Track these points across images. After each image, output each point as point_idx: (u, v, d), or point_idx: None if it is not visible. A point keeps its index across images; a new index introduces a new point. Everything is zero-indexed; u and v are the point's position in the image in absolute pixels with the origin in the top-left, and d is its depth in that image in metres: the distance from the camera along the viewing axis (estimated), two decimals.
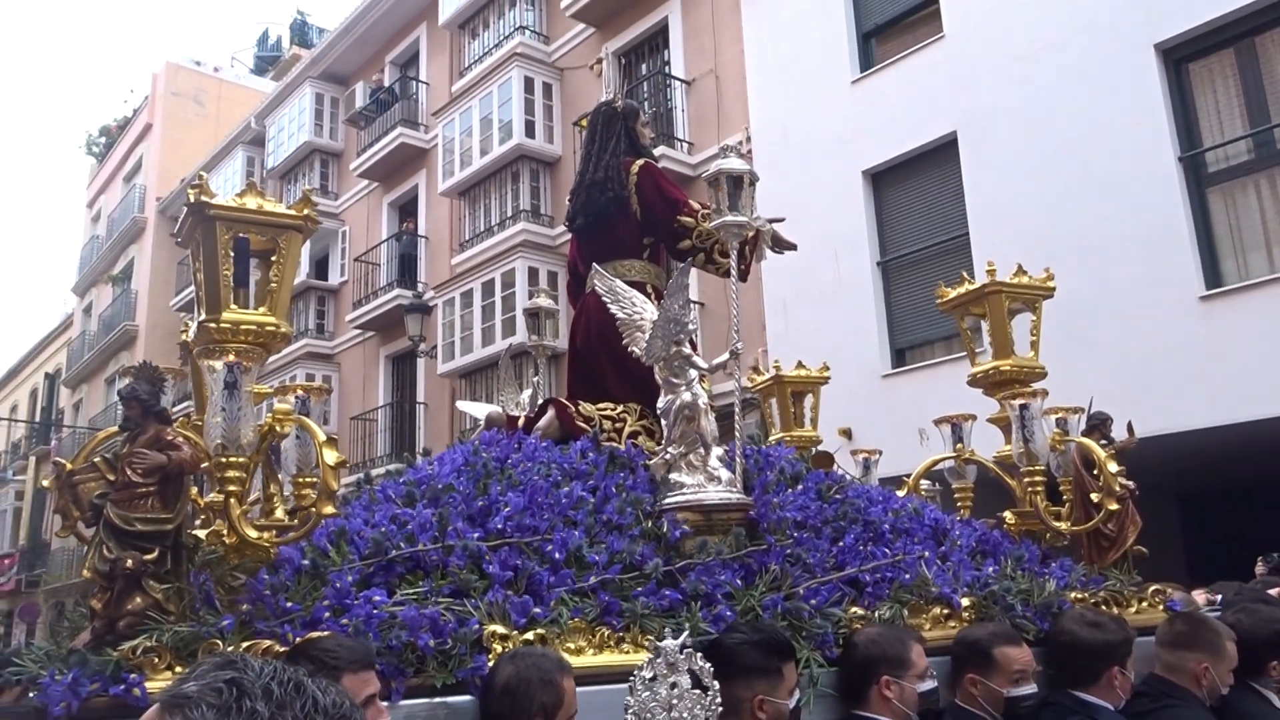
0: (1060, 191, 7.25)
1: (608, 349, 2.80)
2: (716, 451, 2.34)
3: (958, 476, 3.29)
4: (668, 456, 2.32)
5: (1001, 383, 2.69)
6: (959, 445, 3.24)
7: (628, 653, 1.92)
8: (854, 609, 2.14)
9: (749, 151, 9.14)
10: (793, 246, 3.01)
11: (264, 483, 2.49)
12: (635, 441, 2.70)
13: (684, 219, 2.92)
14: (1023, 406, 2.56)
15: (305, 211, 2.25)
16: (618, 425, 2.75)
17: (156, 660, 1.71)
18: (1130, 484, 2.66)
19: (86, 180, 25.80)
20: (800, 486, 2.59)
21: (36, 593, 21.33)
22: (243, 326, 2.16)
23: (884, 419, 7.52)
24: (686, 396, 2.30)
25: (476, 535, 2.08)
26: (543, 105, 12.04)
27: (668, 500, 2.28)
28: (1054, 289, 2.75)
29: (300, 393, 2.60)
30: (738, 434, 2.38)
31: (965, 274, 2.80)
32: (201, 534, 2.05)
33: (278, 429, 2.26)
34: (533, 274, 11.27)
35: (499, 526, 2.12)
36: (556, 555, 2.07)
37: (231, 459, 1.99)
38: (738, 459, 2.38)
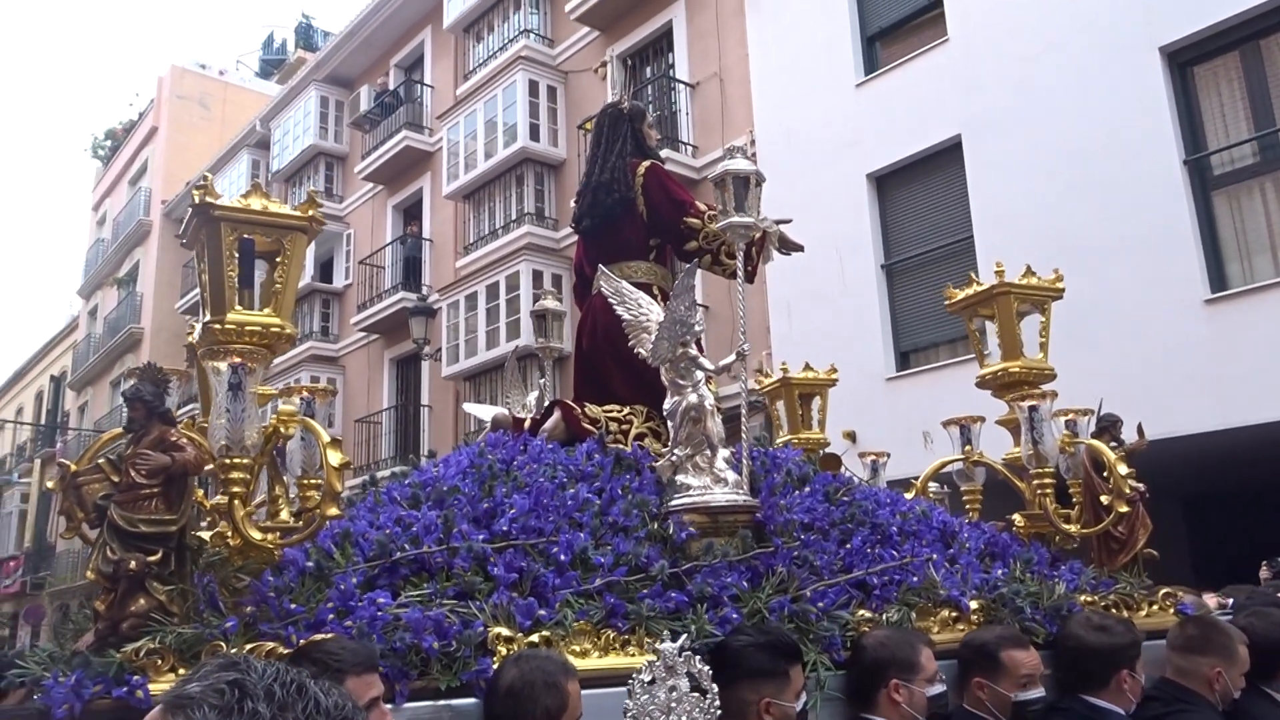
0: (1064, 194, 7.24)
1: (614, 351, 2.79)
2: (723, 453, 2.32)
3: (966, 479, 3.27)
4: (674, 458, 2.31)
5: (1010, 384, 2.67)
6: (967, 447, 3.22)
7: (633, 655, 1.91)
8: (861, 612, 2.12)
9: (753, 155, 9.13)
10: (800, 248, 3.00)
11: (269, 485, 2.48)
12: (641, 443, 2.69)
13: (690, 220, 2.91)
14: (1032, 408, 2.54)
15: (310, 212, 2.25)
16: (624, 427, 2.74)
17: (160, 662, 1.70)
18: (1141, 486, 2.64)
19: (92, 183, 25.92)
20: (807, 488, 2.58)
21: (42, 595, 21.37)
22: (247, 328, 2.16)
23: (888, 422, 7.50)
24: (693, 398, 2.28)
25: (481, 537, 2.07)
26: (547, 108, 12.05)
27: (674, 502, 2.27)
28: (1063, 290, 2.73)
29: (305, 394, 2.59)
30: (744, 436, 2.36)
31: (973, 275, 2.78)
32: (206, 535, 2.04)
33: (282, 430, 2.26)
34: (537, 277, 11.28)
35: (504, 528, 2.11)
36: (562, 557, 2.06)
37: (235, 460, 1.99)
38: (744, 461, 2.36)
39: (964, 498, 3.29)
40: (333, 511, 2.04)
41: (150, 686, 1.64)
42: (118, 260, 22.34)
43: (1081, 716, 2.11)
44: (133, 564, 1.82)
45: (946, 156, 8.32)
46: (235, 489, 1.98)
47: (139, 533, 1.87)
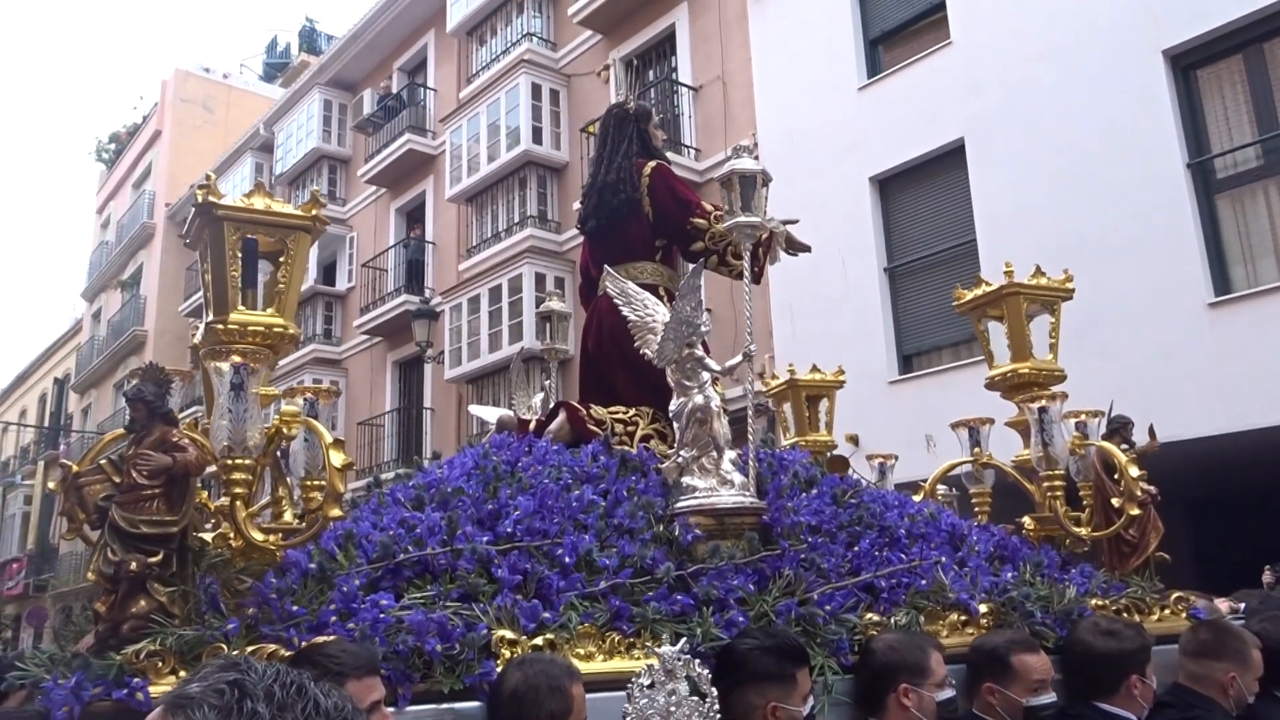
0: (1068, 198, 7.22)
1: (619, 352, 2.77)
2: (729, 455, 2.30)
3: (975, 481, 3.24)
4: (680, 460, 2.29)
5: (1020, 385, 2.65)
6: (976, 449, 3.19)
7: (638, 659, 1.88)
8: (869, 615, 2.10)
9: (756, 158, 9.09)
10: (807, 248, 2.98)
11: (272, 486, 2.47)
12: (647, 445, 2.67)
13: (697, 220, 2.90)
14: (1042, 410, 2.52)
15: (313, 212, 2.24)
16: (629, 429, 2.72)
17: (160, 664, 1.69)
18: (1152, 489, 2.61)
19: (96, 186, 25.98)
20: (815, 491, 2.56)
21: (44, 597, 21.37)
22: (250, 328, 2.14)
23: (891, 425, 7.48)
24: (699, 399, 2.26)
25: (486, 539, 2.06)
26: (550, 112, 12.06)
27: (680, 504, 2.25)
28: (1073, 290, 2.71)
29: (308, 395, 2.57)
30: (751, 437, 2.34)
31: (982, 275, 2.75)
32: (208, 537, 2.02)
33: (285, 431, 2.24)
34: (540, 280, 11.28)
35: (508, 530, 2.10)
36: (566, 559, 2.04)
37: (238, 461, 1.97)
38: (751, 462, 2.34)
39: (973, 500, 3.26)
40: (335, 512, 2.02)
41: (151, 689, 1.63)
42: (121, 263, 22.39)
43: None
44: (133, 565, 1.81)
45: (949, 159, 8.31)
46: (237, 490, 1.97)
47: (140, 534, 1.86)
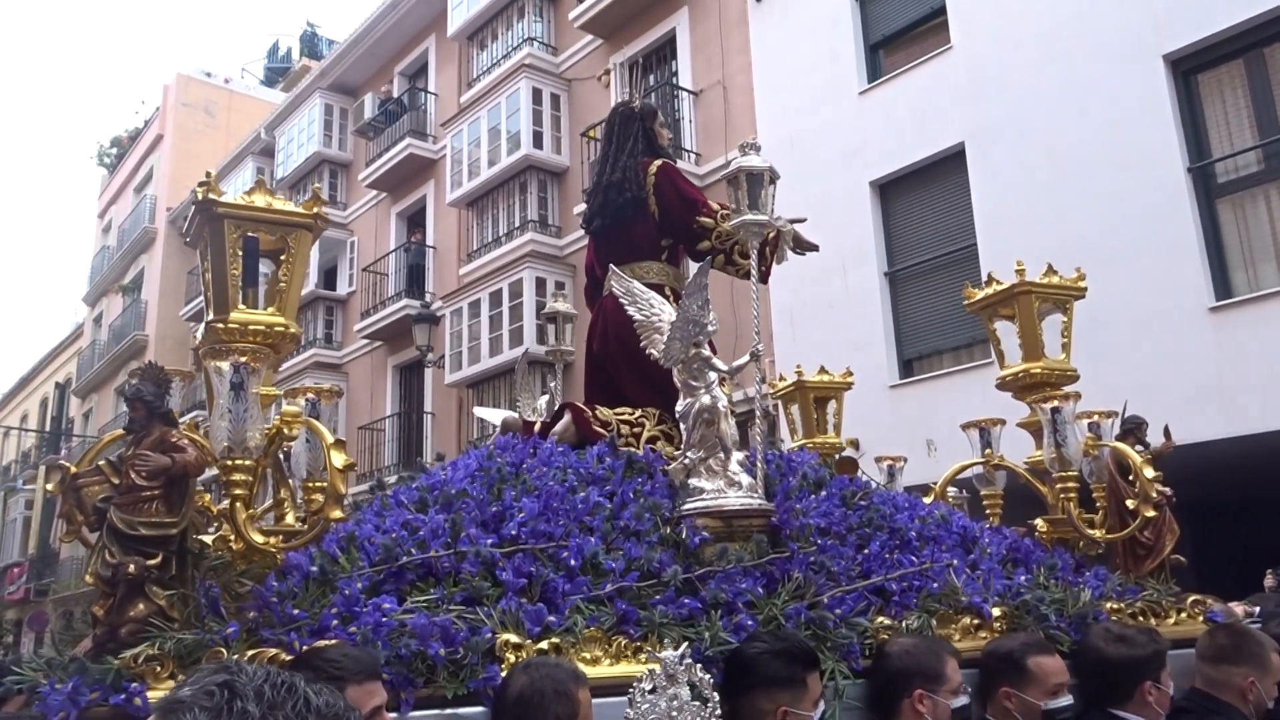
0: (1068, 202, 7.21)
1: (625, 352, 2.75)
2: (737, 456, 2.27)
3: (986, 483, 3.20)
4: (687, 461, 2.26)
5: (1032, 385, 2.62)
6: (988, 450, 3.15)
7: (645, 663, 1.85)
8: (880, 619, 2.07)
9: None
10: (814, 247, 2.95)
11: (274, 488, 2.44)
12: (653, 446, 2.64)
13: (703, 219, 2.87)
14: (1055, 410, 2.48)
15: (314, 209, 2.22)
16: (635, 430, 2.69)
17: (159, 669, 1.66)
18: (1168, 490, 2.57)
19: (98, 191, 26.02)
20: (824, 492, 2.52)
21: (45, 601, 21.31)
22: (251, 327, 2.12)
23: (892, 430, 7.45)
24: (706, 400, 2.23)
25: (490, 541, 2.03)
26: (550, 116, 12.06)
27: (687, 506, 2.22)
28: (1085, 289, 2.67)
29: (310, 395, 2.54)
30: (759, 438, 2.31)
31: (993, 274, 2.72)
32: (208, 539, 1.99)
33: (286, 431, 2.21)
34: (540, 284, 11.27)
35: (513, 532, 2.07)
36: (572, 562, 2.01)
37: (238, 462, 1.94)
38: (759, 464, 2.31)
39: (984, 502, 3.22)
40: (336, 514, 1.99)
41: (149, 694, 1.60)
42: (123, 267, 22.39)
43: None
44: (132, 568, 1.78)
45: (950, 164, 8.30)
46: (237, 491, 1.94)
47: (139, 536, 1.83)
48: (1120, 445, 2.65)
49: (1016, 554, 2.56)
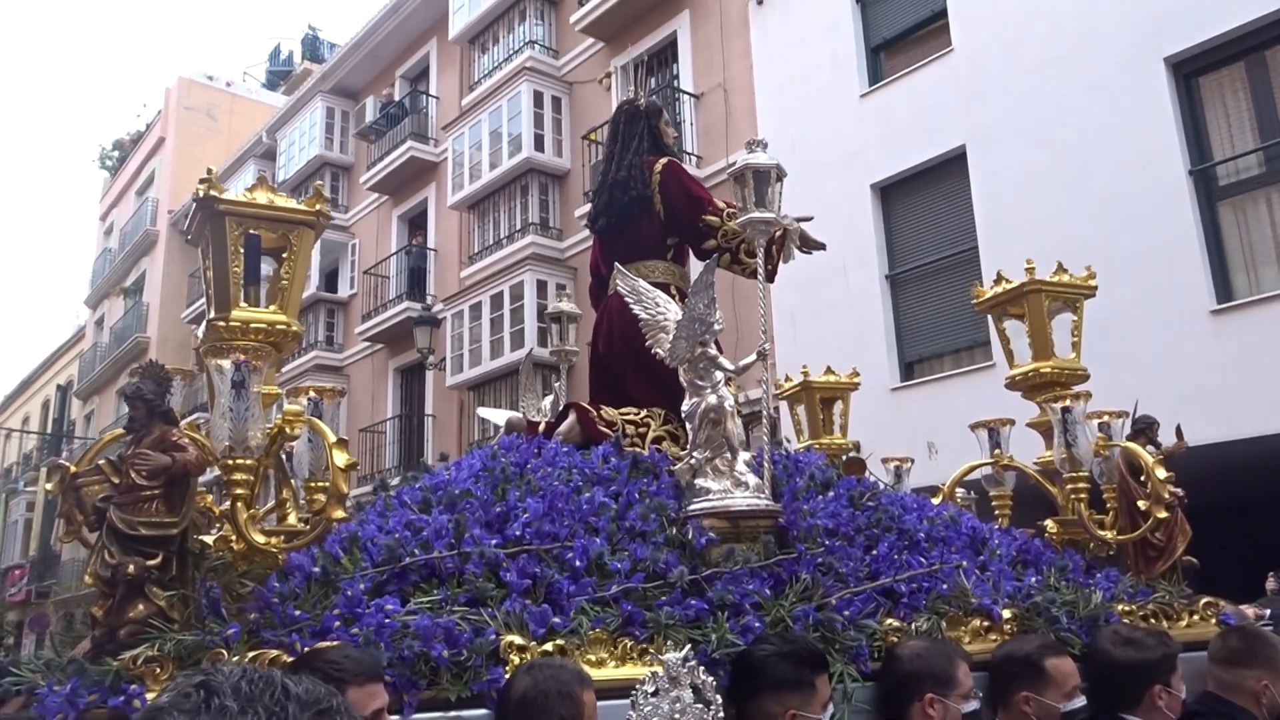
0: (1069, 205, 7.19)
1: (630, 352, 2.72)
2: (744, 456, 2.24)
3: (995, 484, 3.17)
4: (693, 461, 2.24)
5: (1041, 385, 2.59)
6: (997, 451, 3.12)
7: (650, 665, 1.83)
8: (889, 621, 2.04)
9: None
10: (821, 246, 2.93)
11: (276, 488, 2.41)
12: (659, 446, 2.62)
13: (709, 218, 2.85)
14: (1065, 410, 2.45)
15: (317, 207, 2.20)
16: (641, 430, 2.67)
17: (158, 670, 1.64)
18: (1179, 491, 2.54)
19: (99, 193, 26.04)
20: (831, 493, 2.50)
21: (46, 603, 21.28)
22: (252, 325, 2.10)
23: (893, 432, 7.42)
24: (712, 399, 2.21)
25: (494, 542, 2.01)
26: (552, 119, 12.07)
27: (693, 506, 2.20)
28: (1095, 288, 2.65)
29: (313, 394, 2.52)
30: (765, 438, 2.28)
31: (1001, 272, 2.69)
32: (208, 539, 1.97)
33: (288, 430, 2.19)
34: (541, 287, 11.26)
35: (517, 533, 2.05)
36: (577, 563, 1.99)
37: (239, 461, 1.92)
38: (766, 464, 2.28)
39: (993, 503, 3.19)
40: (338, 514, 1.97)
41: (148, 696, 1.57)
42: (124, 270, 22.41)
43: None
44: (131, 568, 1.76)
45: (951, 167, 8.29)
46: (239, 491, 1.92)
47: (138, 535, 1.81)
48: (1132, 445, 2.62)
49: (1026, 555, 2.53)
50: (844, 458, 3.21)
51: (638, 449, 2.57)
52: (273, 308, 2.14)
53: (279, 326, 2.11)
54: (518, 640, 1.78)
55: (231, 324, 2.07)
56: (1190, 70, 7.06)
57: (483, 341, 11.70)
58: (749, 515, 2.16)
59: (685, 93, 10.69)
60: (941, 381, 7.88)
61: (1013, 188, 7.67)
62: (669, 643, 1.84)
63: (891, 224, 8.80)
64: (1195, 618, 2.50)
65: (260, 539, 1.95)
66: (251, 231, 2.10)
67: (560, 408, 2.99)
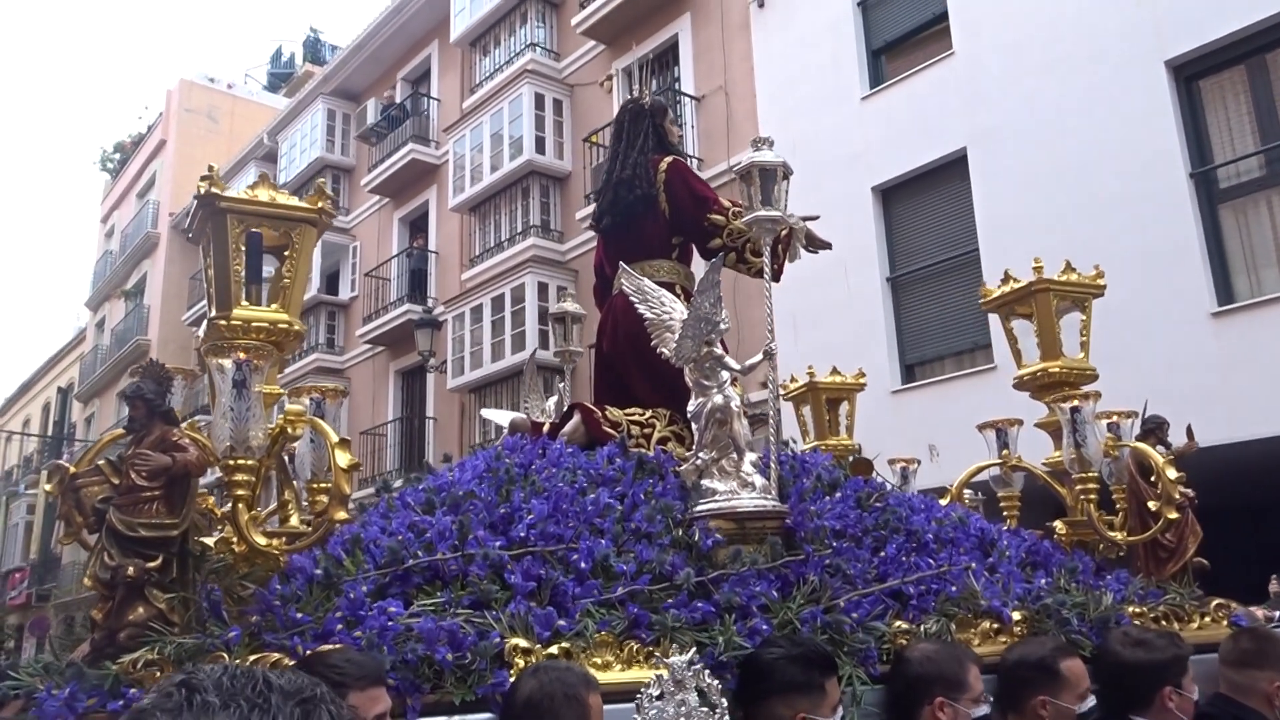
0: (1070, 208, 7.18)
1: (635, 352, 2.70)
2: (750, 456, 2.22)
3: (1003, 484, 3.15)
4: (699, 462, 2.21)
5: (1050, 385, 2.56)
6: (1005, 451, 3.10)
7: (655, 668, 1.80)
8: (898, 623, 2.02)
9: None
10: (828, 245, 2.91)
11: (278, 489, 2.39)
12: (665, 447, 2.59)
13: (714, 217, 2.83)
14: (1074, 410, 2.43)
15: (319, 204, 2.18)
16: (646, 430, 2.65)
17: (158, 674, 1.62)
18: (1190, 492, 2.52)
19: (101, 196, 26.06)
20: (838, 494, 2.47)
21: (47, 607, 21.25)
22: (254, 324, 2.08)
23: (894, 435, 7.40)
24: (718, 399, 2.19)
25: (498, 544, 1.99)
26: (553, 121, 12.06)
27: (699, 507, 2.17)
28: (1104, 287, 2.63)
29: (315, 394, 2.50)
30: (772, 438, 2.26)
31: (1009, 272, 2.67)
32: (209, 541, 1.95)
33: (289, 431, 2.16)
34: (542, 289, 11.25)
35: (522, 535, 2.03)
36: (582, 565, 1.97)
37: (240, 462, 1.90)
38: (772, 465, 2.26)
39: (1001, 504, 3.17)
40: (340, 515, 1.95)
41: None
42: (125, 272, 22.41)
43: None
44: (131, 570, 1.73)
45: (952, 169, 8.28)
46: (240, 492, 1.90)
47: (138, 537, 1.78)
48: (1142, 446, 2.59)
49: (1036, 557, 2.51)
50: (850, 458, 3.19)
51: (643, 450, 2.55)
52: (274, 306, 2.13)
53: (281, 325, 2.10)
54: (522, 643, 1.76)
55: (233, 323, 2.05)
56: (1191, 73, 7.05)
57: (484, 344, 11.68)
58: (756, 516, 2.14)
59: (686, 95, 10.68)
60: (942, 384, 7.87)
61: (1014, 190, 7.66)
62: (675, 645, 1.82)
63: (892, 226, 8.79)
64: (1206, 619, 2.48)
65: (262, 541, 1.93)
66: (253, 229, 2.09)
67: (564, 408, 2.96)
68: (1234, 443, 6.08)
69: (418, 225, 14.76)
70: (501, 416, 3.04)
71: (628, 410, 2.72)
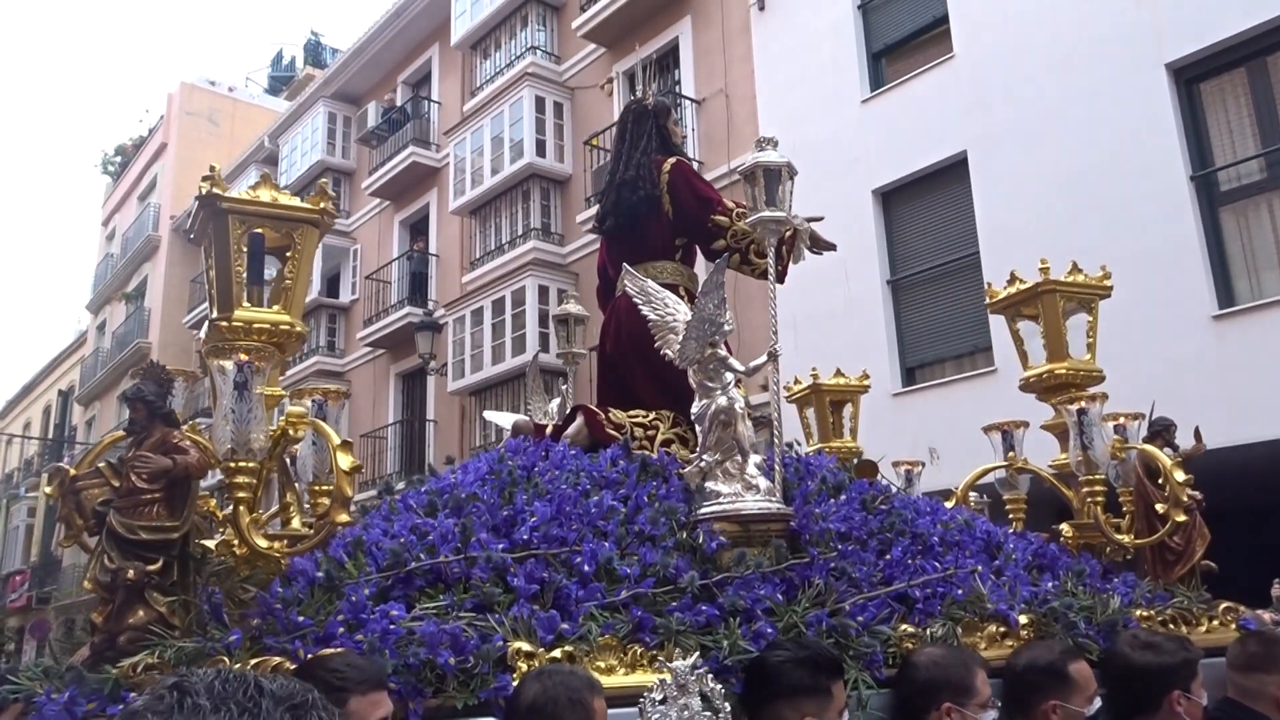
0: (1071, 211, 7.18)
1: (638, 353, 2.69)
2: (754, 459, 2.21)
3: (1009, 487, 3.13)
4: (703, 464, 2.20)
5: (1056, 386, 2.55)
6: (1010, 454, 3.08)
7: (659, 672, 1.79)
8: (904, 626, 2.00)
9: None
10: (832, 246, 2.90)
11: (280, 492, 2.38)
12: (668, 449, 2.58)
13: (718, 218, 2.82)
14: (1081, 411, 2.41)
15: (321, 205, 2.17)
16: (650, 433, 2.63)
17: (159, 678, 1.59)
18: (1198, 494, 2.50)
19: (102, 199, 26.08)
20: (843, 496, 2.46)
21: (47, 609, 21.22)
22: (255, 325, 2.07)
23: (894, 438, 7.39)
24: (722, 401, 2.17)
25: (501, 546, 1.97)
26: (553, 124, 12.07)
27: (703, 510, 2.16)
28: (1110, 288, 2.62)
29: (317, 396, 2.48)
30: (776, 440, 2.25)
31: (1015, 273, 2.66)
32: (210, 543, 1.93)
33: (291, 433, 2.15)
34: (543, 292, 11.25)
35: (525, 537, 2.01)
36: (585, 568, 1.95)
37: (241, 464, 1.88)
38: (777, 467, 2.25)
39: (1007, 507, 3.15)
40: (342, 518, 1.93)
41: None
42: (126, 275, 22.41)
43: None
44: (131, 573, 1.72)
45: (952, 173, 8.28)
46: (241, 494, 1.88)
47: (139, 540, 1.77)
48: (1149, 448, 2.58)
49: (1042, 560, 2.49)
50: (854, 460, 3.17)
51: (646, 452, 2.53)
52: (276, 308, 2.11)
53: (282, 326, 2.08)
54: (525, 647, 1.74)
55: (234, 324, 2.04)
56: (1191, 76, 7.05)
57: (484, 347, 11.68)
58: (760, 519, 2.13)
59: (687, 98, 10.68)
60: (943, 387, 7.87)
61: (1014, 193, 7.66)
62: (679, 649, 1.80)
63: (893, 229, 8.79)
64: (1215, 623, 2.46)
65: (263, 543, 1.91)
66: (255, 230, 2.08)
67: (567, 410, 2.95)
68: (1234, 445, 6.07)
69: (418, 228, 14.76)
70: (504, 419, 3.03)
71: (631, 412, 2.70)
